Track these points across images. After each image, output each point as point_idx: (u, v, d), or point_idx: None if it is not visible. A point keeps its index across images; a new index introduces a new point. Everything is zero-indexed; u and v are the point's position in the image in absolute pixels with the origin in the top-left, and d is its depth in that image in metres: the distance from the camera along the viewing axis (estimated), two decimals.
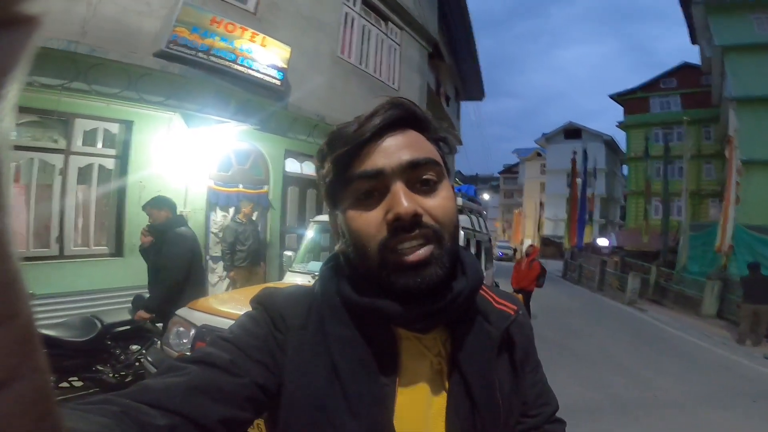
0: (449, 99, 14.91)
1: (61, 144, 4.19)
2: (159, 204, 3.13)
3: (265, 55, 5.18)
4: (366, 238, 0.52)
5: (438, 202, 0.53)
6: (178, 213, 3.20)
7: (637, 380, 5.21)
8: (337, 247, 0.61)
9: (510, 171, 52.88)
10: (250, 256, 5.16)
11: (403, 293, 0.51)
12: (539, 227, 28.57)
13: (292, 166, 6.81)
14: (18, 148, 3.94)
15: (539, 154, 41.23)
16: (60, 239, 4.22)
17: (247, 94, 5.14)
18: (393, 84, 8.61)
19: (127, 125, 4.54)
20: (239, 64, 4.89)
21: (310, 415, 0.50)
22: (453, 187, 0.57)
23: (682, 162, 13.38)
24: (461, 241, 4.21)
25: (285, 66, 5.45)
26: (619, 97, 27.10)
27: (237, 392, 0.48)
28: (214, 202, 5.60)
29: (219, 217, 5.76)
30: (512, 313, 0.63)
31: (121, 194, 4.59)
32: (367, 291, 0.53)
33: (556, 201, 33.04)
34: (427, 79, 10.50)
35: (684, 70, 23.95)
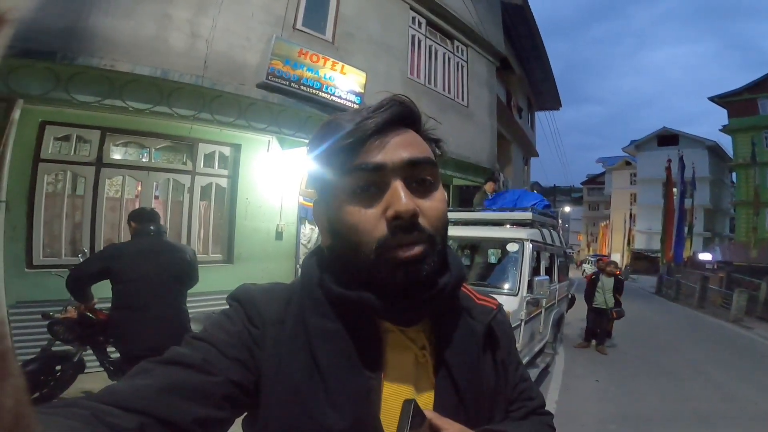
0: (521, 110, 14.79)
1: (189, 166, 5.14)
2: (131, 216, 2.86)
3: (344, 82, 5.80)
4: (363, 235, 0.51)
5: (433, 204, 0.54)
6: (151, 226, 2.78)
7: (724, 394, 4.89)
8: (320, 241, 0.61)
9: (594, 181, 49.61)
10: None
11: (393, 288, 0.51)
12: (629, 241, 26.36)
13: None
14: (157, 169, 4.95)
15: (628, 163, 38.27)
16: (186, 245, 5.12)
17: None
18: (462, 100, 8.89)
19: (236, 148, 5.39)
20: (324, 91, 5.57)
21: (288, 409, 0.50)
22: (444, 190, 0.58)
23: None
24: (531, 253, 4.37)
25: (362, 90, 6.02)
26: (721, 99, 24.58)
27: (212, 391, 0.47)
28: (303, 216, 6.21)
29: (307, 230, 6.43)
30: (494, 308, 0.64)
31: (231, 209, 5.40)
32: (352, 284, 0.53)
33: (649, 213, 30.35)
34: (497, 92, 10.63)
35: None
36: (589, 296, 7.09)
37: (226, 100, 4.78)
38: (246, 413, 0.55)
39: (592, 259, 24.48)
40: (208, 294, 4.74)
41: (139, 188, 4.85)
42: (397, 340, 0.55)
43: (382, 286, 0.51)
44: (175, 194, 5.10)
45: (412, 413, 0.46)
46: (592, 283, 7.16)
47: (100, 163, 4.50)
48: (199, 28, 4.60)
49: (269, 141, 5.57)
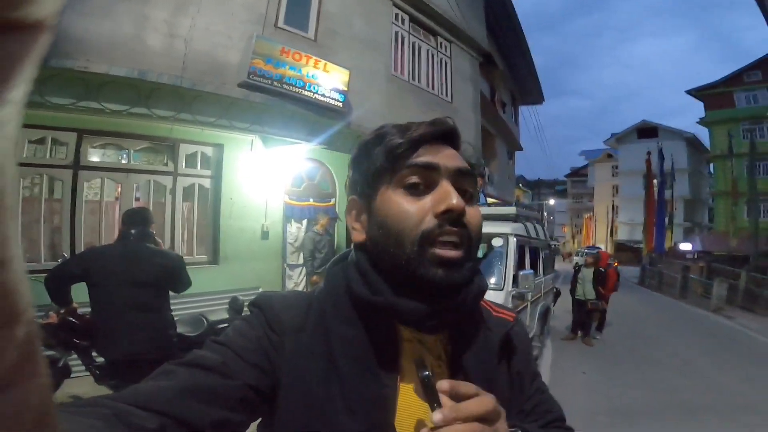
0: (505, 105, 14.91)
1: (170, 167, 5.06)
2: (123, 218, 2.82)
3: (327, 80, 5.73)
4: (409, 225, 0.52)
5: (475, 213, 0.56)
6: (132, 230, 2.66)
7: (710, 385, 4.98)
8: (356, 237, 0.60)
9: (578, 174, 50.32)
10: (326, 262, 5.69)
11: (426, 286, 0.52)
12: (612, 232, 26.87)
13: None
14: (137, 171, 4.85)
15: (610, 156, 38.96)
16: (171, 249, 5.01)
17: (315, 117, 5.70)
18: (446, 96, 8.90)
19: (219, 148, 5.32)
20: (307, 90, 5.51)
21: (305, 414, 0.51)
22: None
23: None
24: (515, 247, 4.42)
25: (345, 88, 5.95)
26: (697, 92, 25.21)
27: (230, 394, 0.48)
28: (289, 215, 6.16)
29: (294, 229, 6.37)
30: (511, 320, 0.65)
31: (215, 210, 5.33)
32: (381, 289, 0.54)
33: (631, 204, 30.93)
34: (481, 87, 10.68)
35: None
36: (573, 288, 7.18)
37: (207, 100, 4.70)
38: (261, 418, 0.56)
39: (587, 251, 20.42)
40: (194, 296, 4.65)
41: (119, 190, 4.75)
42: (413, 349, 0.56)
43: (416, 281, 0.52)
44: (157, 195, 5.01)
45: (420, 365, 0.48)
46: (575, 275, 7.26)
47: (77, 165, 4.40)
48: (178, 27, 4.51)
49: (252, 140, 5.51)
